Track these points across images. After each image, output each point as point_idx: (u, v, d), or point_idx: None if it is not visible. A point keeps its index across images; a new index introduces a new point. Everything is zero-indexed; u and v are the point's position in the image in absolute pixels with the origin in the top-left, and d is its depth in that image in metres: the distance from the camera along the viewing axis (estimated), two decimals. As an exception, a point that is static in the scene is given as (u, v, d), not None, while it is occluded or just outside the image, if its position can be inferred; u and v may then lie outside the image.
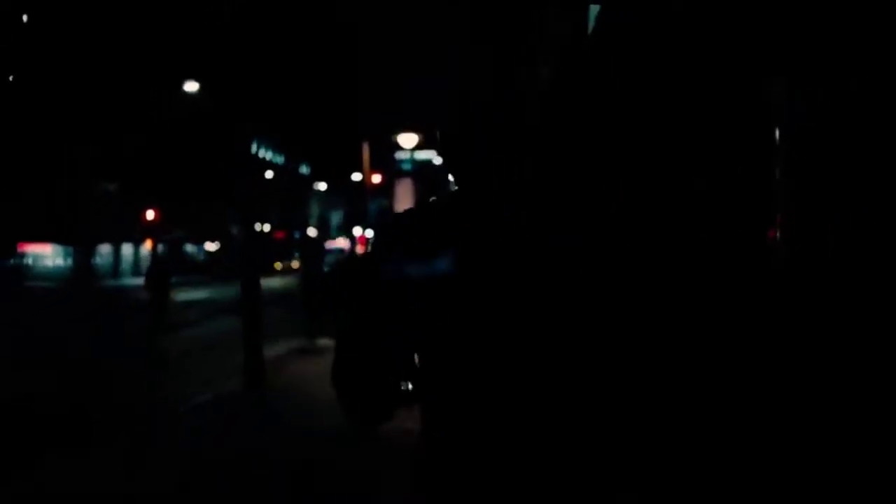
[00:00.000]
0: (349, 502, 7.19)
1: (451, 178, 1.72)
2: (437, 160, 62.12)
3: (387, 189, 41.40)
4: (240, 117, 13.10)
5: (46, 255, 50.18)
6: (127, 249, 55.57)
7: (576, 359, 1.44)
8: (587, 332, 1.43)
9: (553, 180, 1.61)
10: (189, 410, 10.88)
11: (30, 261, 49.06)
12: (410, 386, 1.71)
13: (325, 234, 70.88)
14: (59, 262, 50.47)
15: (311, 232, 71.29)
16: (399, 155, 40.31)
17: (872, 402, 1.55)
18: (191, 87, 43.66)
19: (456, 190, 1.75)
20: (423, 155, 44.92)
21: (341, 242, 61.79)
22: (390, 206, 40.63)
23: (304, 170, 66.54)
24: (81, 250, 49.84)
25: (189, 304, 30.36)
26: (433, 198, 1.84)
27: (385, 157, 38.73)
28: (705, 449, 1.53)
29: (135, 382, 13.32)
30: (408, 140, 34.56)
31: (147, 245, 54.35)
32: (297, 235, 71.38)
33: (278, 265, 64.51)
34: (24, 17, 43.16)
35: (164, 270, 24.16)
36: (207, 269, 56.81)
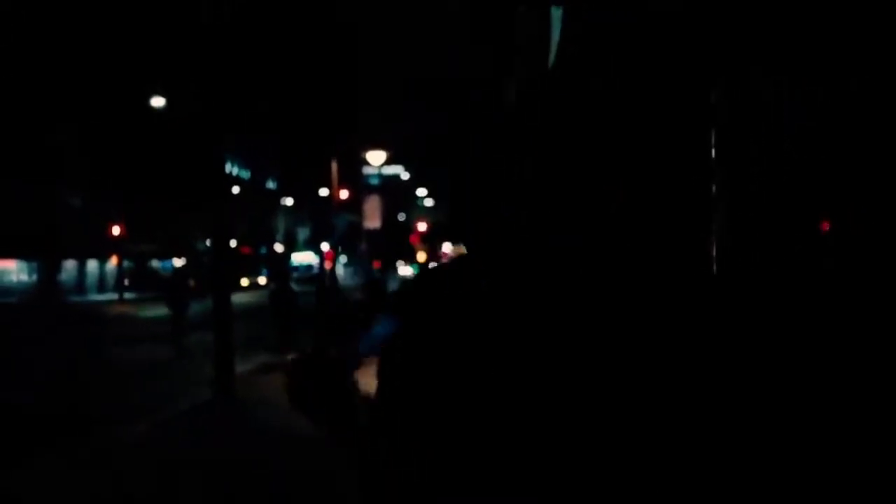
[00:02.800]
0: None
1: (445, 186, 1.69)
2: (405, 175, 62.20)
3: (354, 204, 41.48)
4: (216, 139, 13.17)
5: (10, 270, 49.75)
6: (92, 265, 55.19)
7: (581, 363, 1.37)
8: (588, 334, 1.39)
9: (539, 182, 1.59)
10: (161, 421, 10.94)
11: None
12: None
13: (292, 249, 70.68)
14: (24, 277, 50.06)
15: (278, 247, 71.08)
16: (367, 170, 40.43)
17: (812, 403, 1.63)
18: (157, 102, 43.55)
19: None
20: (390, 170, 45.07)
21: (308, 258, 61.63)
22: (359, 222, 40.72)
23: (270, 185, 66.46)
24: (46, 266, 49.47)
25: (156, 320, 30.26)
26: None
27: (352, 172, 38.84)
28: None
29: (106, 394, 13.34)
30: (376, 157, 34.72)
31: (113, 261, 54.01)
32: (263, 251, 71.16)
33: (245, 281, 64.18)
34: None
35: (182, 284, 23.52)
36: (172, 286, 56.43)
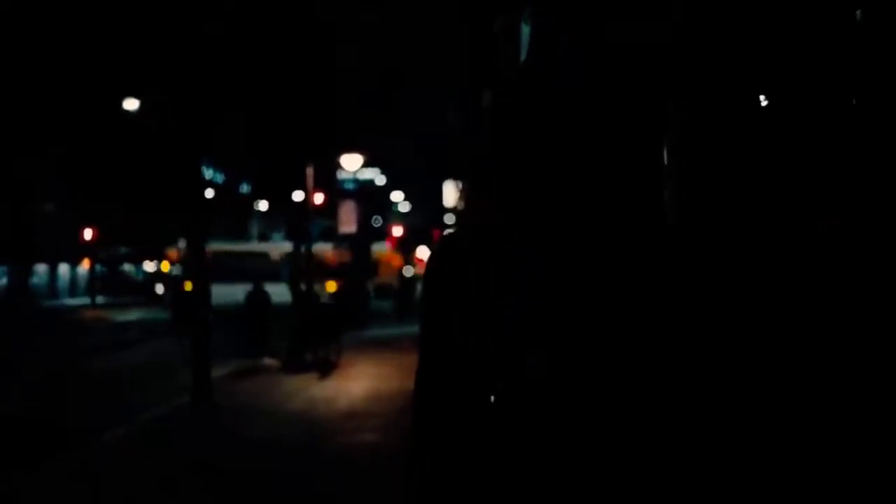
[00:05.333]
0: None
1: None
2: (380, 180, 62.13)
3: (329, 209, 41.35)
4: (192, 143, 13.09)
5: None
6: (64, 269, 54.77)
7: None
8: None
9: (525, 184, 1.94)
10: (139, 426, 10.86)
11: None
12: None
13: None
14: (3, 282, 49.62)
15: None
16: (342, 175, 40.30)
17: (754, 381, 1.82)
18: (131, 104, 43.24)
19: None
20: (366, 175, 44.95)
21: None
22: (334, 227, 40.56)
23: (244, 188, 66.17)
24: (17, 269, 49.05)
25: (126, 326, 30.06)
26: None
27: (328, 176, 38.72)
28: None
29: (83, 400, 13.21)
30: (351, 161, 34.62)
31: (85, 264, 53.61)
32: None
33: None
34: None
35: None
36: (144, 290, 56.09)
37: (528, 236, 1.87)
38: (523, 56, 2.11)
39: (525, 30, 2.09)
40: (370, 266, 45.85)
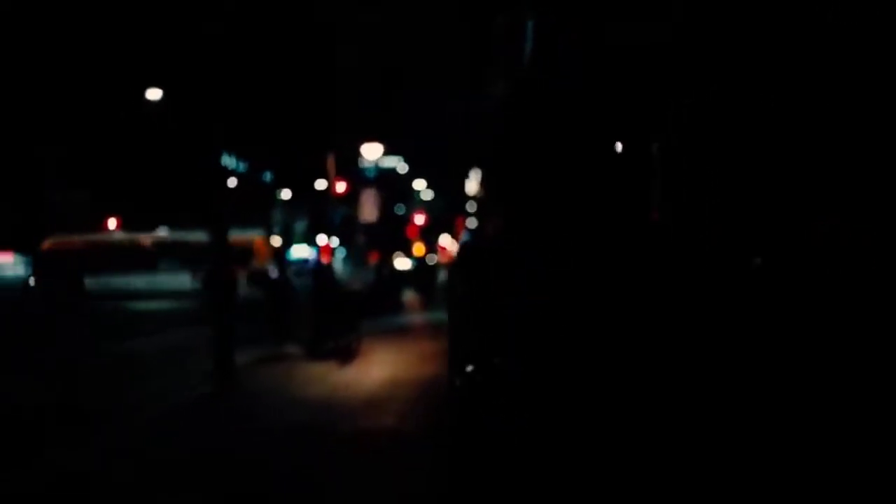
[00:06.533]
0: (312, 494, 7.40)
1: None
2: (402, 168, 62.18)
3: (351, 197, 41.45)
4: (213, 129, 13.24)
5: (7, 264, 49.62)
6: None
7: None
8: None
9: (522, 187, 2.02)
10: (164, 411, 11.02)
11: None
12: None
13: (290, 242, 70.55)
14: (21, 271, 49.94)
15: (275, 241, 70.93)
16: (364, 163, 40.38)
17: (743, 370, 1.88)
18: (154, 94, 43.45)
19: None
20: (388, 163, 45.05)
21: (304, 251, 61.64)
22: (354, 215, 40.68)
23: (267, 177, 66.35)
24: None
25: (151, 314, 30.32)
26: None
27: (350, 164, 38.83)
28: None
29: (110, 386, 13.41)
30: (372, 150, 34.73)
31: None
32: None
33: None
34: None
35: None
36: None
37: (528, 236, 1.95)
38: (526, 56, 2.17)
39: (529, 30, 2.15)
40: (244, 252, 43.86)
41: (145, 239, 42.26)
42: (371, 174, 42.25)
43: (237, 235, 48.37)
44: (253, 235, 45.82)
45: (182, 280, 38.64)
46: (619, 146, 1.68)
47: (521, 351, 1.55)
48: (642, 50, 1.77)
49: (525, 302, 1.56)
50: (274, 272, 23.37)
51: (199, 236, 43.45)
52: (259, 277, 43.65)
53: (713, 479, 1.70)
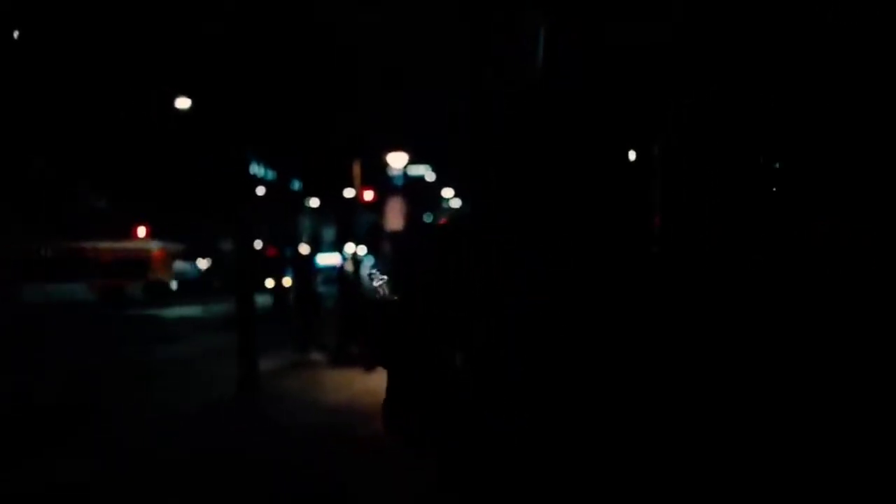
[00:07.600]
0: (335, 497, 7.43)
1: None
2: (430, 176, 62.21)
3: (379, 205, 41.53)
4: (241, 139, 13.34)
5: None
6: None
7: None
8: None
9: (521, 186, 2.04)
10: (189, 414, 11.11)
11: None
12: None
13: (318, 250, 70.70)
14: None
15: (304, 248, 71.12)
16: (391, 171, 40.48)
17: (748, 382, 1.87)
18: (182, 103, 43.76)
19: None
20: (416, 171, 45.10)
21: (333, 259, 61.77)
22: (380, 222, 40.73)
23: (295, 185, 66.58)
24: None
25: (181, 320, 30.50)
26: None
27: (378, 173, 38.97)
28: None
29: (137, 389, 13.55)
30: (397, 159, 34.80)
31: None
32: (288, 252, 71.22)
33: (270, 282, 64.17)
34: (16, 33, 43.24)
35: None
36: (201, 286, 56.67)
37: (528, 236, 1.94)
38: (525, 56, 2.15)
39: (529, 30, 2.13)
40: (140, 263, 43.32)
41: (44, 249, 41.22)
42: (398, 182, 42.33)
43: (131, 245, 46.86)
44: (150, 245, 44.99)
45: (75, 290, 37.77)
46: (632, 154, 1.73)
47: (520, 351, 1.57)
48: (642, 50, 1.80)
49: (525, 302, 1.58)
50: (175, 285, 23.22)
51: (104, 245, 42.70)
52: (157, 288, 42.71)
53: (713, 480, 1.70)
